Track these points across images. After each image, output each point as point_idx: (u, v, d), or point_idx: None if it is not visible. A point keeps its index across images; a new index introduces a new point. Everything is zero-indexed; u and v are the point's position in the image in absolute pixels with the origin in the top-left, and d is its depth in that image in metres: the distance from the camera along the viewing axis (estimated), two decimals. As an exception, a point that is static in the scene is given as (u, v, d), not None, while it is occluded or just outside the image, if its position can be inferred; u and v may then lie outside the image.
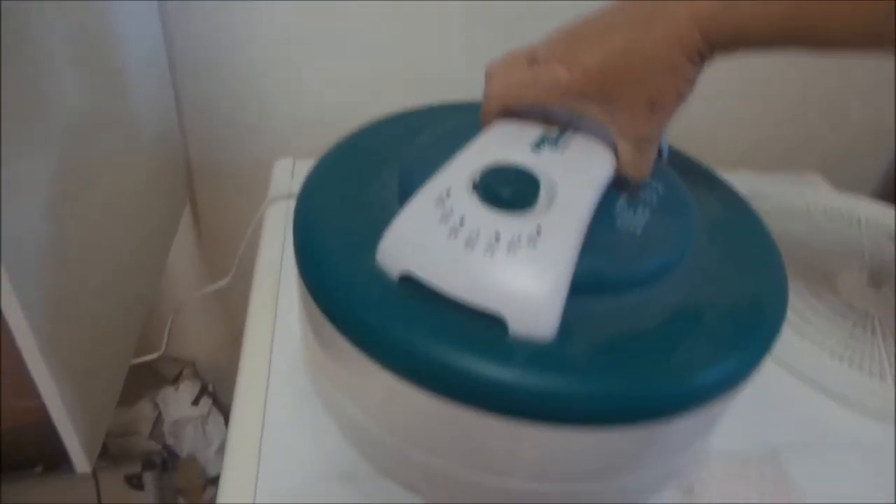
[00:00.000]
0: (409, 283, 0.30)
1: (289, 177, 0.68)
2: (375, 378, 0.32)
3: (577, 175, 0.34)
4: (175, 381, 0.93)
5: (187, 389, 0.93)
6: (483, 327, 0.29)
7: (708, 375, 0.31)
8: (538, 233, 0.30)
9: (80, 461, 0.45)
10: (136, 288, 0.62)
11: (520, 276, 0.29)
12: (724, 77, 0.78)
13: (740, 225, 0.42)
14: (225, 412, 0.96)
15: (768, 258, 0.39)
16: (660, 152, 0.41)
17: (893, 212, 0.68)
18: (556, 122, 0.39)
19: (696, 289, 0.34)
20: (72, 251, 0.45)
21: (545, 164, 0.34)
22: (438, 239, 0.30)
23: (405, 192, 0.34)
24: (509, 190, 0.32)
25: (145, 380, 0.92)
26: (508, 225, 0.30)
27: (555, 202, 0.32)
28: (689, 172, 0.44)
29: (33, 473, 0.87)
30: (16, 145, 0.36)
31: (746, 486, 0.43)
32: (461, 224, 0.30)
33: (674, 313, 0.32)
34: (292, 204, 0.61)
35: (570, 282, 0.30)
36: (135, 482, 0.86)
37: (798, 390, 0.51)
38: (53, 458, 0.90)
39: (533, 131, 0.38)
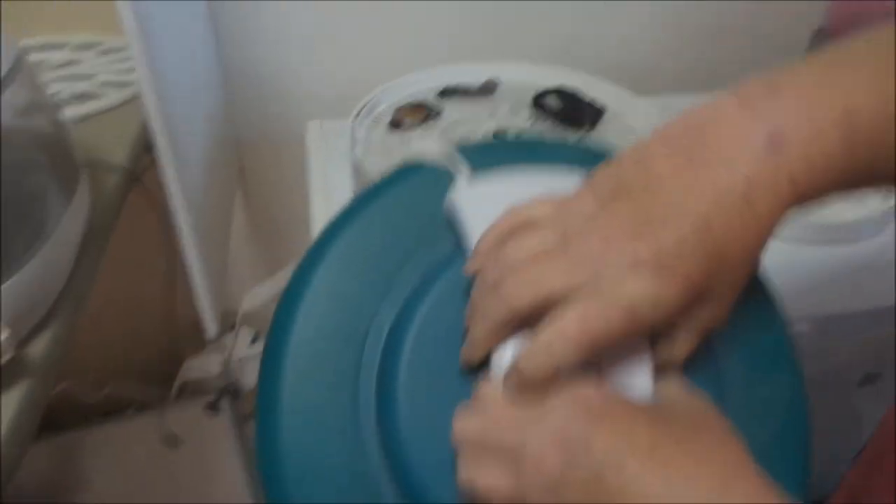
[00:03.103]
0: None
1: (320, 134, 0.87)
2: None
3: None
4: (233, 328, 1.12)
5: (244, 334, 1.12)
6: None
7: None
8: None
9: (211, 327, 0.65)
10: (224, 227, 0.82)
11: None
12: (644, 24, 0.99)
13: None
14: (277, 350, 1.15)
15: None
16: None
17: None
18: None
19: None
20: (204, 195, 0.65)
21: None
22: None
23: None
24: None
25: (210, 328, 1.11)
26: None
27: None
28: None
29: (126, 415, 1.07)
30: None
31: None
32: None
33: None
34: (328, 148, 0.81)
35: None
36: (213, 408, 1.05)
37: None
38: (141, 403, 1.09)
39: None
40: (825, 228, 0.69)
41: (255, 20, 0.89)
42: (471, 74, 0.75)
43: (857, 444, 0.89)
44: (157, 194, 0.65)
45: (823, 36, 0.98)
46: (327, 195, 0.75)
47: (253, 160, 1.01)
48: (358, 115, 0.65)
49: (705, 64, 1.06)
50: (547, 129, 0.68)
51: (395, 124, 0.66)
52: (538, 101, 0.70)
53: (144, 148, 0.73)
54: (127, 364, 1.08)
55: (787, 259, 0.67)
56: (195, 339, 1.09)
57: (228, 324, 1.15)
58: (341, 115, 0.90)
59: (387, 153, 0.63)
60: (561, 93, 0.70)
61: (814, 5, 1.02)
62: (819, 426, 0.34)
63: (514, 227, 0.29)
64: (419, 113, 0.67)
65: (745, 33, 1.04)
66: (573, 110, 0.67)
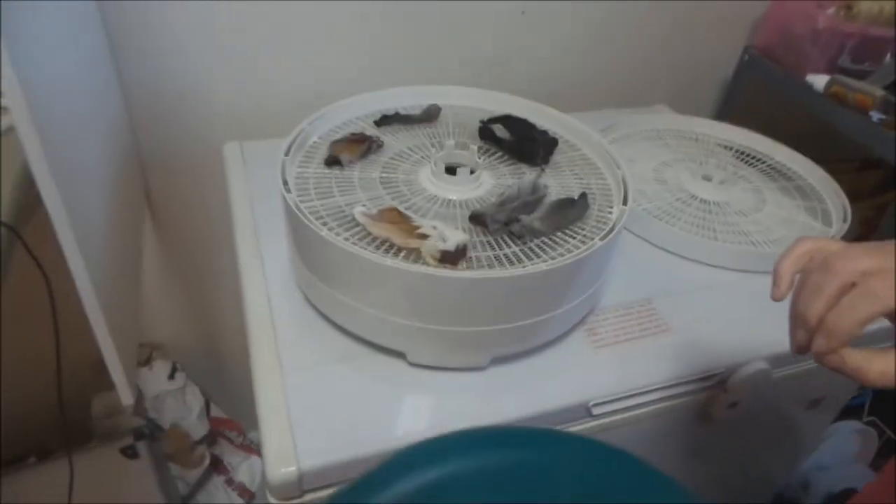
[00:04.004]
0: None
1: (239, 156, 0.79)
2: (363, 267, 0.47)
3: None
4: (147, 362, 1.02)
5: (161, 368, 1.02)
6: None
7: None
8: None
9: (126, 394, 0.56)
10: (133, 263, 0.72)
11: None
12: (581, 33, 0.96)
13: None
14: (198, 383, 1.06)
15: None
16: None
17: (720, 125, 0.89)
18: None
19: None
20: (105, 237, 0.56)
21: None
22: None
23: None
24: None
25: (120, 364, 1.00)
26: None
27: None
28: None
29: (28, 465, 0.95)
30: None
31: (630, 322, 0.61)
32: None
33: None
34: (248, 177, 0.74)
35: None
36: (130, 452, 0.95)
37: (662, 258, 0.70)
38: (44, 450, 0.98)
39: None
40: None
41: (158, 30, 0.79)
42: (406, 99, 0.70)
43: (796, 459, 0.93)
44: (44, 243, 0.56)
45: (753, 53, 0.99)
46: (253, 228, 0.68)
47: (162, 182, 0.91)
48: (288, 150, 0.58)
49: (631, 80, 1.05)
50: (498, 163, 0.63)
51: (332, 161, 0.59)
52: (485, 131, 0.65)
53: (26, 188, 0.63)
54: (26, 410, 0.96)
55: (740, 293, 0.67)
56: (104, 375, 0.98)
57: (143, 357, 1.05)
58: (258, 134, 0.82)
59: (325, 194, 0.56)
60: (508, 121, 0.66)
61: (740, 25, 1.03)
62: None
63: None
64: (357, 146, 0.61)
65: (672, 51, 1.04)
66: (525, 141, 0.63)
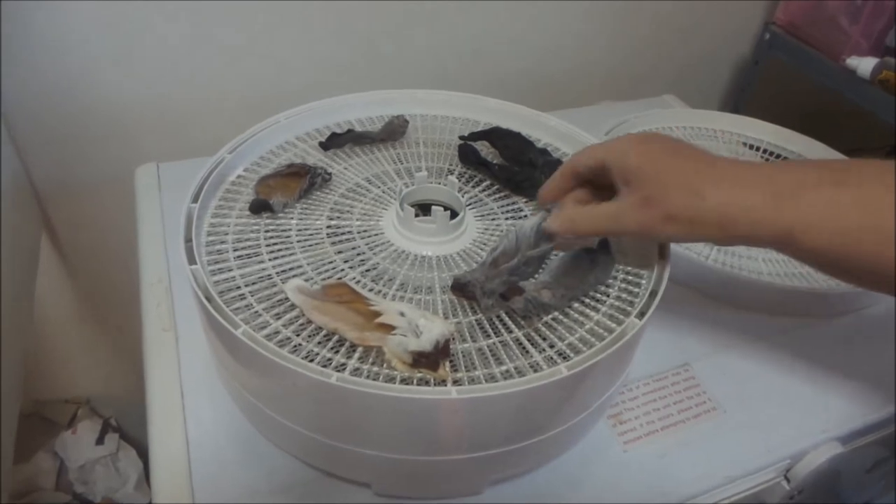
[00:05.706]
0: None
1: (154, 183, 0.62)
2: (298, 383, 0.31)
3: None
4: (71, 423, 0.86)
5: (87, 430, 0.85)
6: None
7: None
8: None
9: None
10: (10, 332, 0.56)
11: None
12: (571, 21, 0.81)
13: None
14: (136, 444, 0.90)
15: None
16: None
17: (744, 119, 0.74)
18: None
19: None
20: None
21: None
22: None
23: None
24: None
25: (37, 430, 0.84)
26: None
27: None
28: None
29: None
30: None
31: (665, 400, 0.47)
32: None
33: None
34: (164, 210, 0.58)
35: None
36: (51, 540, 0.79)
37: (694, 302, 0.55)
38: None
39: None
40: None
41: (43, 30, 0.61)
42: (360, 109, 0.53)
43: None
44: None
45: (775, 31, 0.84)
46: (167, 286, 0.52)
47: (70, 214, 0.74)
48: (198, 194, 0.42)
49: (630, 66, 0.89)
50: (485, 196, 0.47)
51: (259, 207, 0.43)
52: (466, 151, 0.49)
53: None
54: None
55: (798, 346, 0.53)
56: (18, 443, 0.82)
57: (65, 418, 0.88)
58: (185, 153, 0.66)
59: (250, 257, 0.40)
60: (496, 136, 0.50)
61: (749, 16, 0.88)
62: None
63: None
64: (295, 183, 0.45)
65: (678, 29, 0.88)
66: (521, 166, 0.48)
